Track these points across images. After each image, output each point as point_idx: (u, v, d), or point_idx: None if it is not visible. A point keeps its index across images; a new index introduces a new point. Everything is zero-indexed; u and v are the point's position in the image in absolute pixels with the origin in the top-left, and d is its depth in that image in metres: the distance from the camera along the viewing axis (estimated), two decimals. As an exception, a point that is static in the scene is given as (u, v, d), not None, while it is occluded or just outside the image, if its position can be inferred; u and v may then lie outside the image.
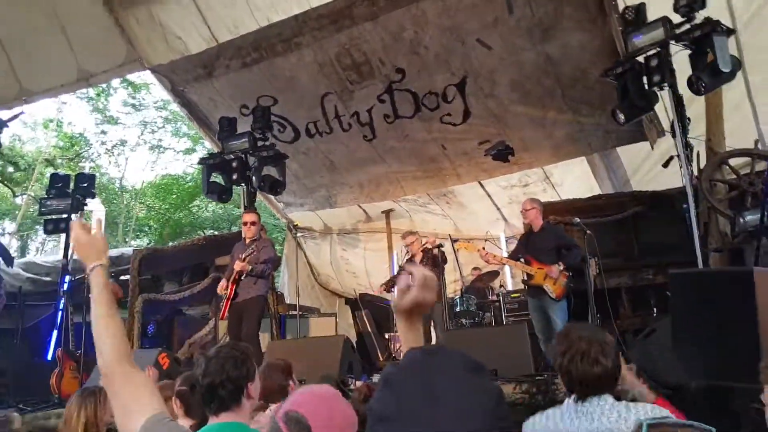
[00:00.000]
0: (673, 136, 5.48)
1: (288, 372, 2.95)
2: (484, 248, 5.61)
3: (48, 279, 8.87)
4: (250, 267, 5.39)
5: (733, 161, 5.64)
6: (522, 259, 5.30)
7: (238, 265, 5.37)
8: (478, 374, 0.93)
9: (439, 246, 6.36)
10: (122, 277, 8.26)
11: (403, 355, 1.05)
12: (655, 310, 5.96)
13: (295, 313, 7.56)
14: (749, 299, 2.81)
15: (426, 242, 6.47)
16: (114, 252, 10.17)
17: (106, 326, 1.51)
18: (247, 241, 5.67)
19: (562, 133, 6.46)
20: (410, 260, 6.37)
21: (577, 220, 5.26)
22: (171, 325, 7.96)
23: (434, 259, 6.16)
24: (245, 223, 5.74)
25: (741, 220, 5.20)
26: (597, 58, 5.59)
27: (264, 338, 6.31)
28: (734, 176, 5.56)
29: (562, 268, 5.07)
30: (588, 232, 5.13)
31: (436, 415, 0.86)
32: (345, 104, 7.00)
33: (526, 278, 5.32)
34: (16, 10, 7.35)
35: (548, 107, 6.24)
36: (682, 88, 5.09)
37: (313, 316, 8.05)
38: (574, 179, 7.53)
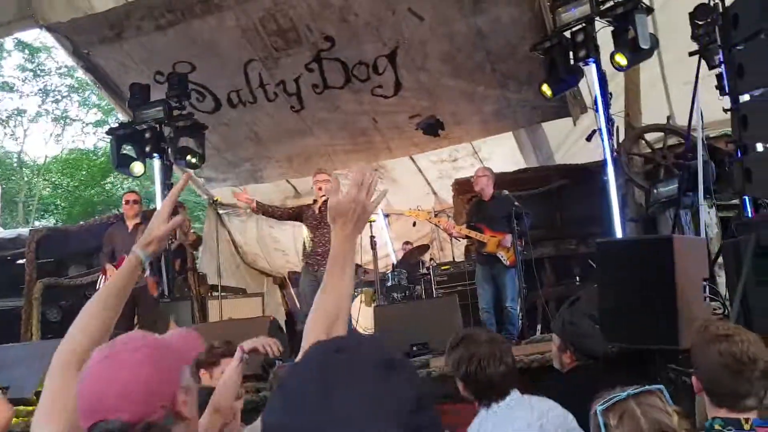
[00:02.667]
0: (596, 111, 5.67)
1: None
2: (436, 215, 5.53)
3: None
4: None
5: (649, 136, 5.93)
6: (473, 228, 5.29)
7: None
8: (391, 373, 0.71)
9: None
10: (18, 261, 7.52)
11: (304, 351, 0.86)
12: (577, 279, 6.21)
13: (217, 294, 7.23)
14: (668, 265, 2.91)
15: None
16: (9, 233, 9.30)
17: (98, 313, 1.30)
18: (130, 223, 5.40)
19: (491, 109, 6.50)
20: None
21: (506, 192, 5.33)
22: (78, 311, 7.37)
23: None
24: (127, 202, 5.53)
25: (655, 191, 5.49)
26: (526, 33, 5.62)
27: (171, 323, 6.01)
28: (649, 150, 5.86)
29: (518, 235, 5.08)
30: (516, 204, 5.20)
31: (329, 429, 0.68)
32: (270, 72, 6.64)
33: (477, 246, 5.32)
34: None
35: (478, 81, 6.24)
36: (605, 63, 5.25)
37: (238, 296, 7.74)
38: (502, 154, 7.66)
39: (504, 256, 5.17)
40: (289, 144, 7.48)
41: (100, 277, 5.32)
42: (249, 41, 6.31)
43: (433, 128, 6.61)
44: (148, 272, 5.17)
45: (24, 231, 9.02)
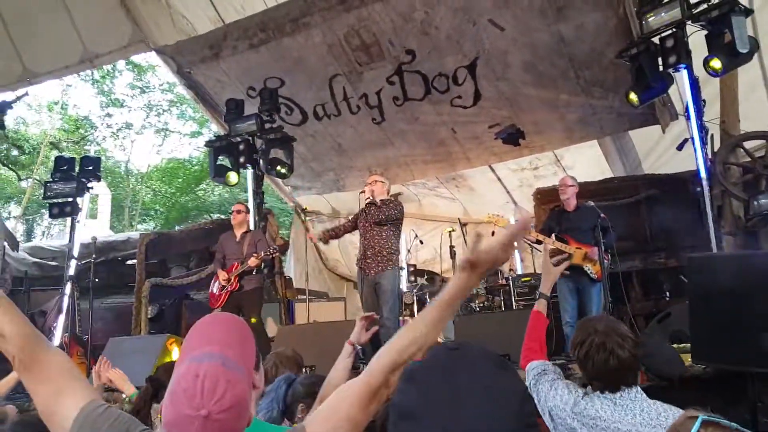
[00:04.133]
0: (687, 118, 5.40)
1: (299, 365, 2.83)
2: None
3: (54, 263, 8.87)
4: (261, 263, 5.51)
5: (748, 144, 5.56)
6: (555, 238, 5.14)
7: (254, 262, 5.41)
8: (504, 371, 0.90)
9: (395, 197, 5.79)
10: (129, 262, 8.27)
11: (427, 350, 1.03)
12: (667, 294, 5.93)
13: (303, 297, 7.57)
14: (768, 283, 2.77)
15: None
16: (120, 236, 10.22)
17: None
18: (238, 232, 5.72)
19: (575, 116, 6.37)
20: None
21: (591, 203, 5.19)
22: (179, 309, 7.97)
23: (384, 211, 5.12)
24: (239, 212, 5.79)
25: (755, 203, 5.14)
26: (611, 38, 5.49)
27: (269, 323, 6.36)
28: (749, 159, 5.49)
29: (604, 249, 4.89)
30: (602, 215, 5.06)
31: (461, 414, 0.83)
32: (353, 86, 6.92)
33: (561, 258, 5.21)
34: (20, -10, 7.24)
35: (561, 89, 6.14)
36: (697, 69, 5.01)
37: (322, 300, 8.05)
38: (586, 162, 7.46)
39: (591, 270, 5.02)
40: (370, 155, 7.72)
41: (214, 281, 5.71)
42: (334, 57, 6.61)
43: (513, 138, 6.57)
44: None
45: (132, 234, 9.91)
